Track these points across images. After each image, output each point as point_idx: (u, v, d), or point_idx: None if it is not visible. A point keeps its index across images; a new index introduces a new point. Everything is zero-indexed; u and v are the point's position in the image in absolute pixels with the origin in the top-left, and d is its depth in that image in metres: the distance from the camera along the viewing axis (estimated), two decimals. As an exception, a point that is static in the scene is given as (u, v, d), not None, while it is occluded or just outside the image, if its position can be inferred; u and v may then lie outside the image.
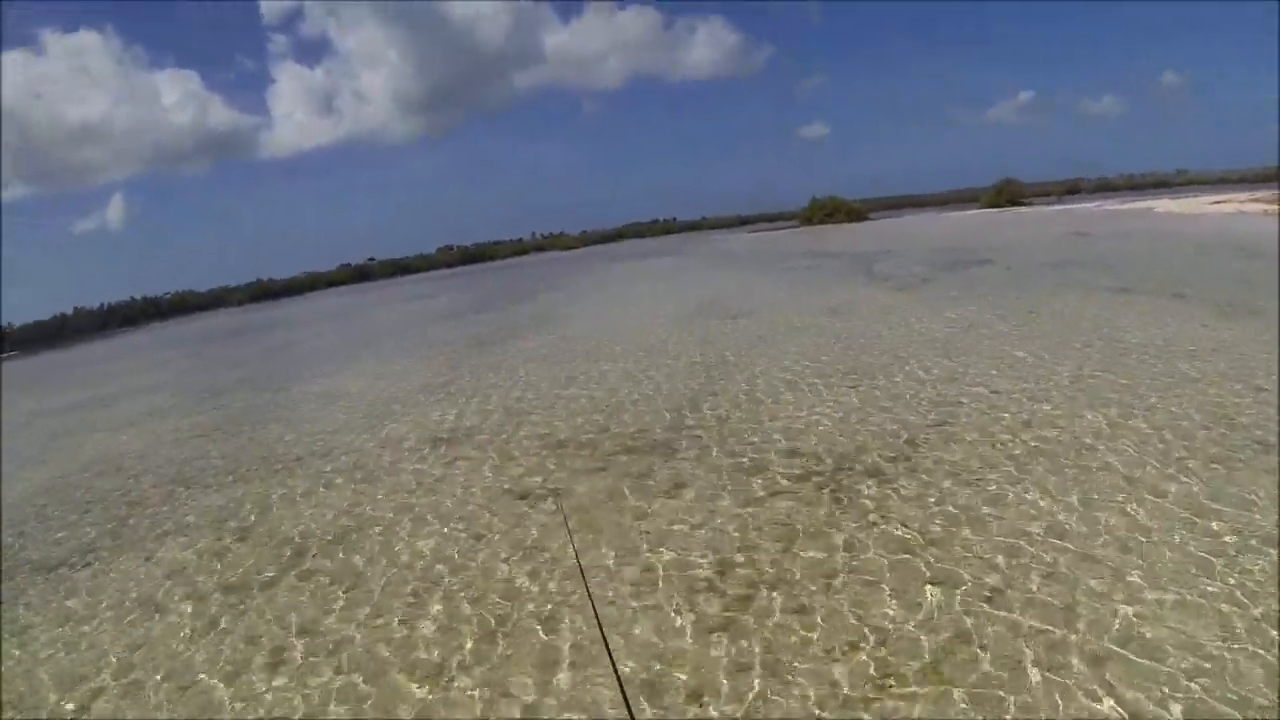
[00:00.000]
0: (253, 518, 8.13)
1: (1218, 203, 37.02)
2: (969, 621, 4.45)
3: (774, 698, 4.02)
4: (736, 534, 6.00)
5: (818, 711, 3.87)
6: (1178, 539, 5.06)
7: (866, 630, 4.50)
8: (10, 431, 17.24)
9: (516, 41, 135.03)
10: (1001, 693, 3.84)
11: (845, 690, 4.00)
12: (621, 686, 4.16)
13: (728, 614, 4.87)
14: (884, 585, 4.97)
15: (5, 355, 61.66)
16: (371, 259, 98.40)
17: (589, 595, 5.17)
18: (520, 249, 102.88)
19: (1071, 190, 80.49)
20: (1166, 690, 3.69)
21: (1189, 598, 4.39)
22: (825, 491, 6.61)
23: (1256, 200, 35.16)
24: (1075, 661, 3.99)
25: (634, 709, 3.92)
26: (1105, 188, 79.77)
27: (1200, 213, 33.71)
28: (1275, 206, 30.80)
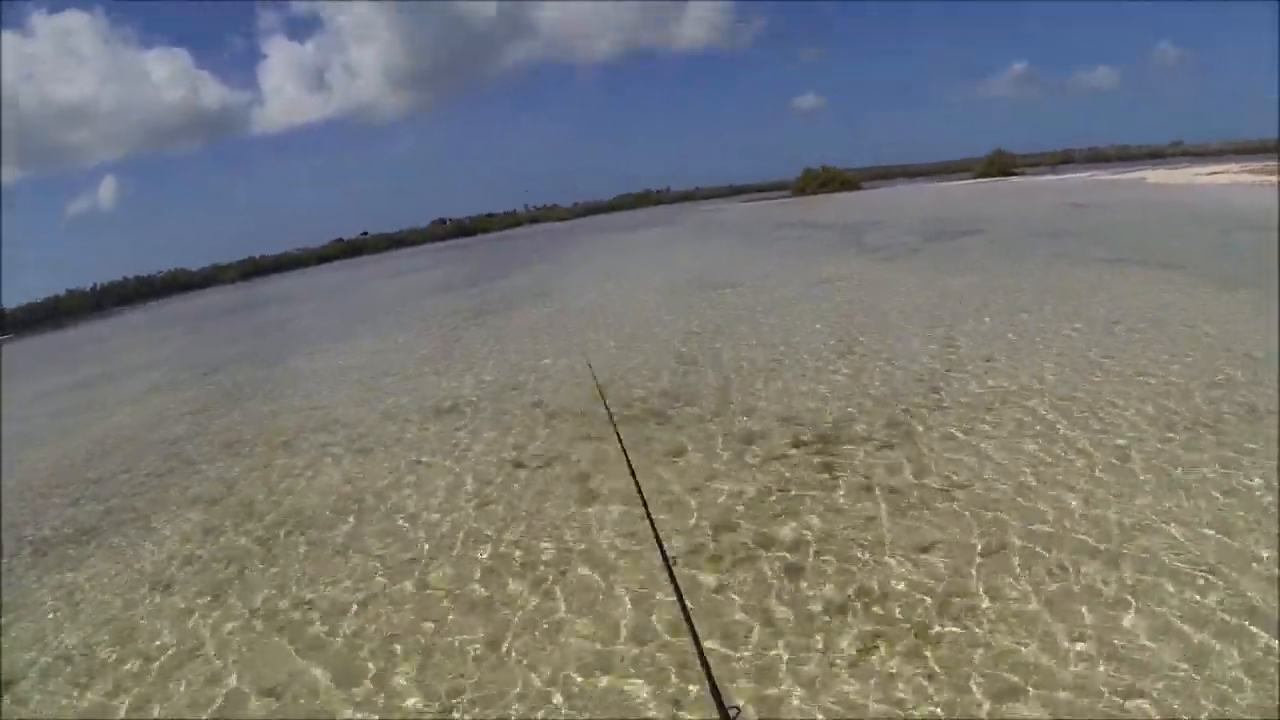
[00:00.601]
0: (253, 492, 8.29)
1: (1212, 174, 37.03)
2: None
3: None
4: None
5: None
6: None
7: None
8: (10, 412, 17.38)
9: (508, 14, 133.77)
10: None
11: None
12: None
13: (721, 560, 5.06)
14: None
15: (2, 338, 61.59)
16: (364, 234, 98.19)
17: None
18: (513, 221, 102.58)
19: (1064, 161, 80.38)
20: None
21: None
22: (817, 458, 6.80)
23: (1249, 171, 35.22)
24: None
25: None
26: (1097, 158, 79.54)
27: (1190, 183, 33.82)
28: (1268, 177, 30.85)
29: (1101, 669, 3.67)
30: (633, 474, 4.84)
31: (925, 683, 3.75)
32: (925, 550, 4.95)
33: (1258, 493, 5.09)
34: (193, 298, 64.83)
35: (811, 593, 4.66)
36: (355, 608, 5.36)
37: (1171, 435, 6.22)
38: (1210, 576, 4.26)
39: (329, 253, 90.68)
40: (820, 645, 4.14)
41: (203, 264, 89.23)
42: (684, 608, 2.92)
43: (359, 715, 4.18)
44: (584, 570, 5.35)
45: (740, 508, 5.97)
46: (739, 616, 4.50)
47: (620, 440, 5.94)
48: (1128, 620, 4.00)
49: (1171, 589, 4.19)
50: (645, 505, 4.28)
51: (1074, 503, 5.28)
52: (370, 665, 4.64)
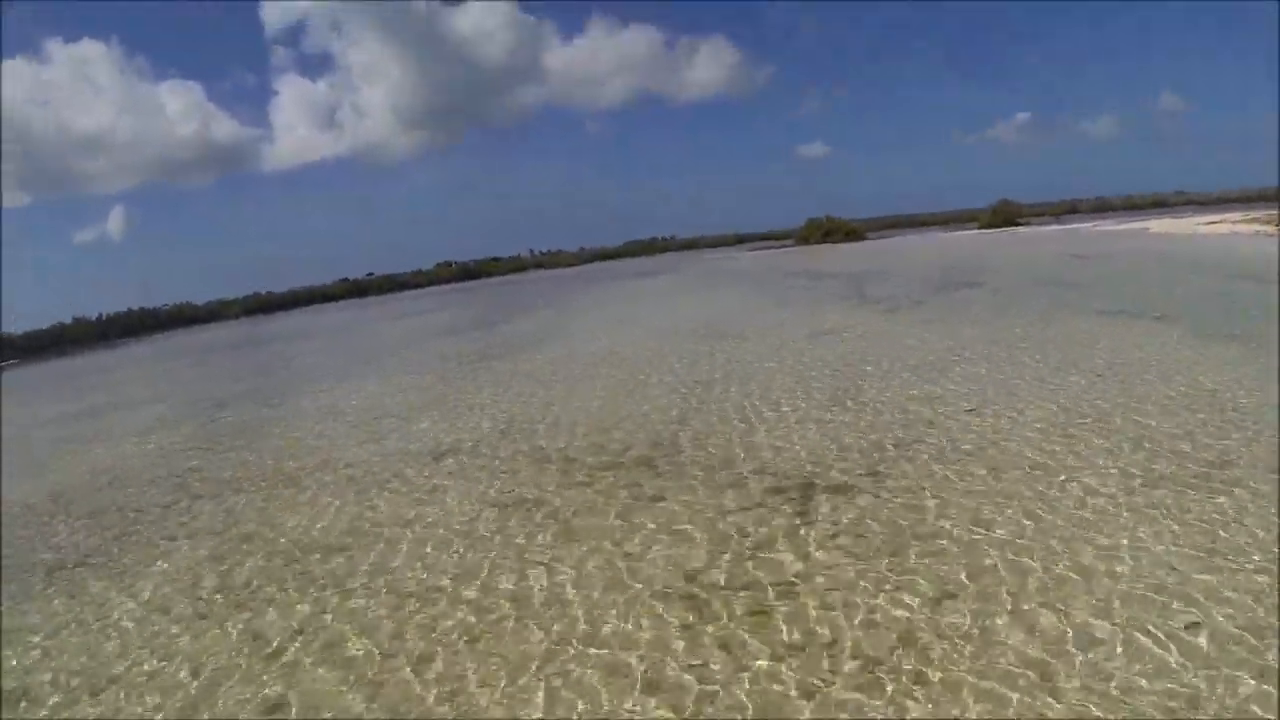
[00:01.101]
0: (255, 526, 8.54)
1: (1211, 223, 37.59)
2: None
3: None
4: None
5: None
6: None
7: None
8: (13, 439, 17.65)
9: (518, 58, 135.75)
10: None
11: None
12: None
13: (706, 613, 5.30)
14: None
15: (5, 364, 61.96)
16: (370, 274, 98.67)
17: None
18: (518, 265, 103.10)
19: (1069, 210, 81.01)
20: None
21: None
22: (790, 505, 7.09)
23: (1251, 220, 35.77)
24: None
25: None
26: (1103, 208, 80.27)
27: (1191, 233, 34.30)
28: (1266, 227, 31.34)
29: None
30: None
31: None
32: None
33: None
34: (197, 332, 65.13)
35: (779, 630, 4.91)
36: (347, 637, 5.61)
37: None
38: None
39: (334, 292, 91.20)
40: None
41: (208, 298, 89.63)
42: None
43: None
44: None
45: (724, 554, 6.22)
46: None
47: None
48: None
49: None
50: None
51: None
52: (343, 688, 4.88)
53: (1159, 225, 41.59)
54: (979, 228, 65.77)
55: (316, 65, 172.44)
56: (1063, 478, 7.01)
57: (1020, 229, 59.08)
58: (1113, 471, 7.03)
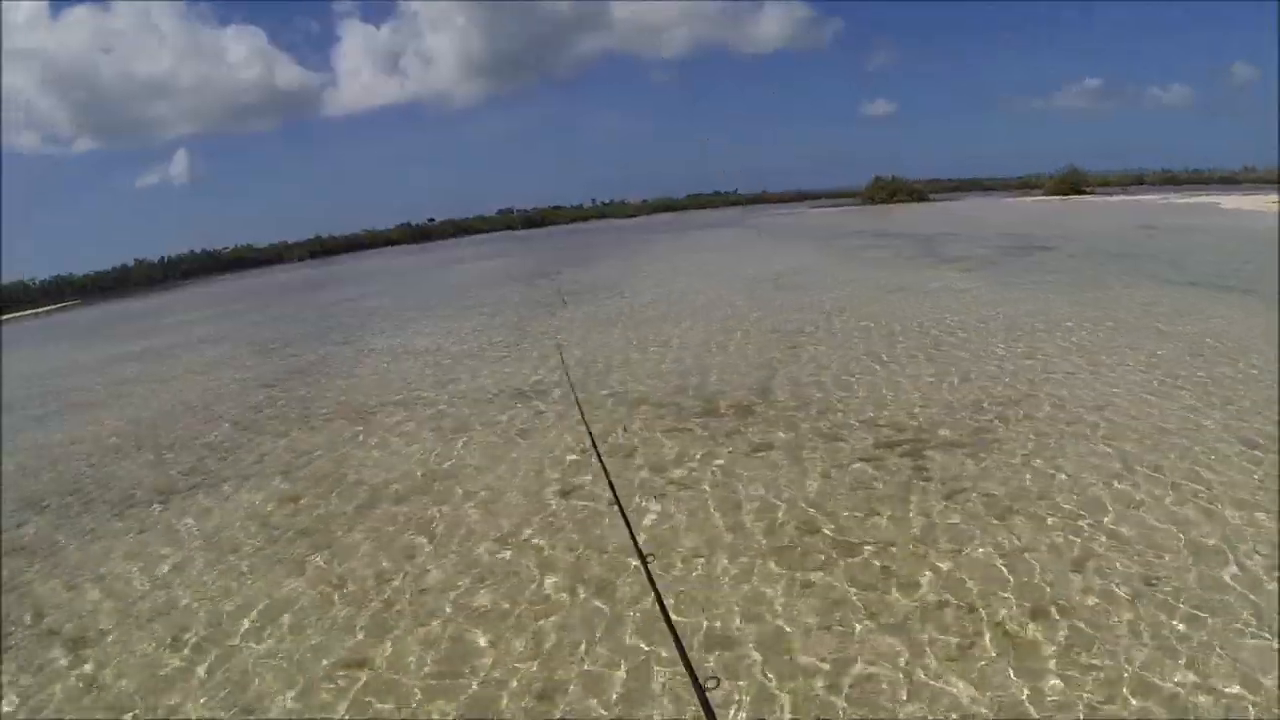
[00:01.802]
0: (328, 465, 8.27)
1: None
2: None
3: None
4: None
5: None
6: None
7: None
8: (80, 375, 17.79)
9: (585, 5, 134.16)
10: None
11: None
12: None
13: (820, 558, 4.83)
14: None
15: (68, 304, 63.52)
16: (431, 219, 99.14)
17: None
18: (581, 215, 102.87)
19: (1136, 182, 78.09)
20: None
21: None
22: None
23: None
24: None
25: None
26: (1170, 181, 76.92)
27: (1266, 210, 32.65)
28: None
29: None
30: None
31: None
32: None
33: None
34: (260, 274, 66.02)
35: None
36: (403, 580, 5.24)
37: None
38: None
39: (396, 236, 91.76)
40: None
41: (270, 241, 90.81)
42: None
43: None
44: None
45: (828, 504, 5.90)
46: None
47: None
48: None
49: None
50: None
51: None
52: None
53: (1230, 201, 39.63)
54: (1044, 194, 64.00)
55: (380, 11, 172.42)
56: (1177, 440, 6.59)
57: (1087, 197, 57.19)
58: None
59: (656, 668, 4.15)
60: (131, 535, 7.03)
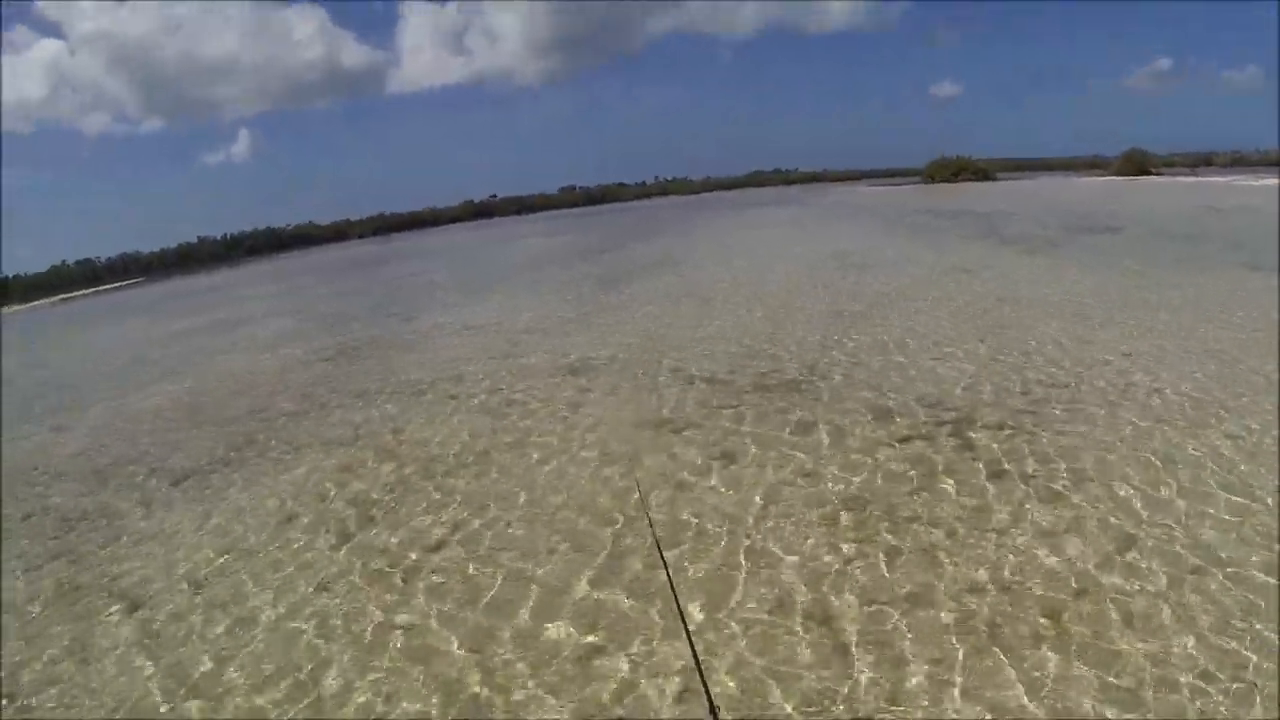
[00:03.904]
0: (385, 436, 8.43)
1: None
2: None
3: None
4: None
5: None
6: None
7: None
8: (148, 349, 18.44)
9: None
10: None
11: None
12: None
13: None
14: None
15: (134, 280, 65.57)
16: (494, 196, 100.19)
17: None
18: (643, 191, 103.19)
19: (1204, 163, 75.19)
20: None
21: None
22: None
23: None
24: None
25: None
26: (1239, 163, 73.72)
27: None
28: None
29: None
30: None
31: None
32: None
33: None
34: (322, 251, 67.45)
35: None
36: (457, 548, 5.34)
37: None
38: None
39: (458, 213, 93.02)
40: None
41: (332, 218, 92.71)
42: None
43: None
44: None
45: (878, 483, 5.87)
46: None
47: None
48: None
49: None
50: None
51: None
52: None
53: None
54: (1109, 175, 62.40)
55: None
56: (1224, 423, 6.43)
57: (1153, 178, 55.50)
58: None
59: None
60: (195, 505, 7.28)
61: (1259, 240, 16.97)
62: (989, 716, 3.42)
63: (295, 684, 4.25)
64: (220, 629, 4.91)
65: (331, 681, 4.22)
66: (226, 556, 5.96)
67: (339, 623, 4.80)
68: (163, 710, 4.17)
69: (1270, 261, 13.77)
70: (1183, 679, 3.50)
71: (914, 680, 3.69)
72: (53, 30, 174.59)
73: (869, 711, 3.52)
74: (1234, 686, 3.43)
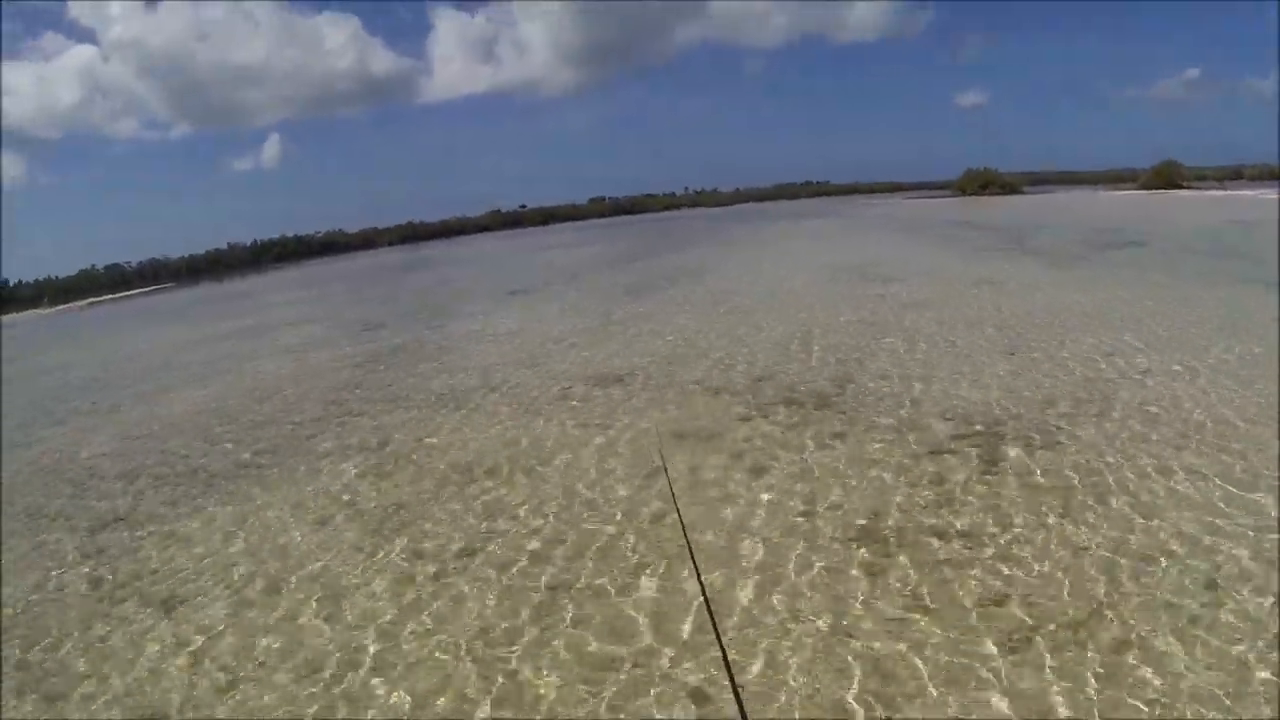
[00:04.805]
0: (414, 443, 8.54)
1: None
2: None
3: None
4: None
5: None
6: None
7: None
8: (179, 353, 18.72)
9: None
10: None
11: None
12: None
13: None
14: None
15: (163, 286, 66.44)
16: (522, 206, 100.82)
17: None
18: (672, 203, 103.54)
19: (1234, 176, 74.26)
20: None
21: None
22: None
23: None
24: None
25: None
26: (1270, 175, 72.78)
27: None
28: None
29: None
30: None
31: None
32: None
33: None
34: (350, 259, 68.03)
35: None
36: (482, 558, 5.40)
37: None
38: None
39: (487, 223, 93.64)
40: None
41: (360, 226, 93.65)
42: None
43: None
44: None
45: (898, 497, 5.88)
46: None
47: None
48: None
49: None
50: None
51: None
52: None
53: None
54: (1138, 188, 61.99)
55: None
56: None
57: (1183, 192, 55.07)
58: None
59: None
60: (220, 508, 7.41)
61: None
62: None
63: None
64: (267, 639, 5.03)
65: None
66: (246, 556, 6.09)
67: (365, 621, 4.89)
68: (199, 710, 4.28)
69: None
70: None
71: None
72: (88, 36, 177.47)
73: None
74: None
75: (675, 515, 5.79)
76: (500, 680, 4.14)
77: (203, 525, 6.98)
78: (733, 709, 3.65)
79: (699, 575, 4.92)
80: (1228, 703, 3.41)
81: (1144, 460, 6.15)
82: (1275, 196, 38.73)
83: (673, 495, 6.19)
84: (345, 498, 7.16)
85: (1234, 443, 6.32)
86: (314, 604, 5.22)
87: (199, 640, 4.95)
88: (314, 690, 4.26)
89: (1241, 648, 3.76)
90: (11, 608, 5.82)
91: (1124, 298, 12.96)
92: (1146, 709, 3.42)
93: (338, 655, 4.57)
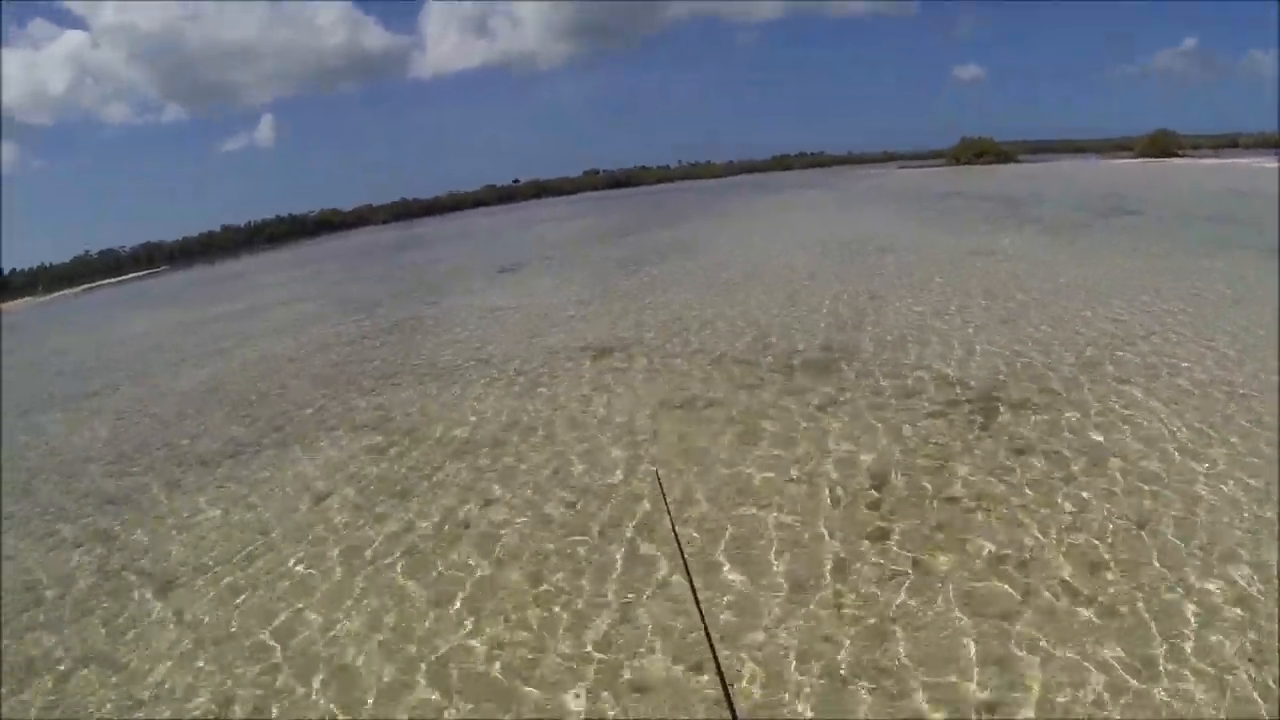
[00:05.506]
0: (412, 417, 8.65)
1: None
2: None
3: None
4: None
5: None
6: None
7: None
8: (174, 335, 18.81)
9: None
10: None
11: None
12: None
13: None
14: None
15: (158, 269, 66.39)
16: (516, 180, 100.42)
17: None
18: (666, 175, 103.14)
19: (1229, 145, 73.86)
20: None
21: None
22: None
23: None
24: None
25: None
26: (1265, 144, 72.31)
27: None
28: None
29: None
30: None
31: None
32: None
33: None
34: (345, 237, 67.90)
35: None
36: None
37: None
38: None
39: (481, 197, 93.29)
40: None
41: (355, 204, 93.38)
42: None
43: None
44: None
45: (898, 458, 6.02)
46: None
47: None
48: None
49: None
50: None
51: None
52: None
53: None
54: (1133, 157, 61.73)
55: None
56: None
57: (1177, 160, 54.87)
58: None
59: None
60: (219, 486, 7.54)
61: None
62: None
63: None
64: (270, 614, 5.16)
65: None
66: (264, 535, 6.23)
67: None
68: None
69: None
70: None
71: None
72: (79, 23, 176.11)
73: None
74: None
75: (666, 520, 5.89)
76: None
77: (198, 506, 7.09)
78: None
79: (689, 580, 5.03)
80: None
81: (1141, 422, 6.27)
82: (1270, 165, 38.51)
83: (665, 498, 6.28)
84: (339, 474, 7.27)
85: None
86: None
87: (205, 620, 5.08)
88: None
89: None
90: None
91: (1122, 267, 13.02)
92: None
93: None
